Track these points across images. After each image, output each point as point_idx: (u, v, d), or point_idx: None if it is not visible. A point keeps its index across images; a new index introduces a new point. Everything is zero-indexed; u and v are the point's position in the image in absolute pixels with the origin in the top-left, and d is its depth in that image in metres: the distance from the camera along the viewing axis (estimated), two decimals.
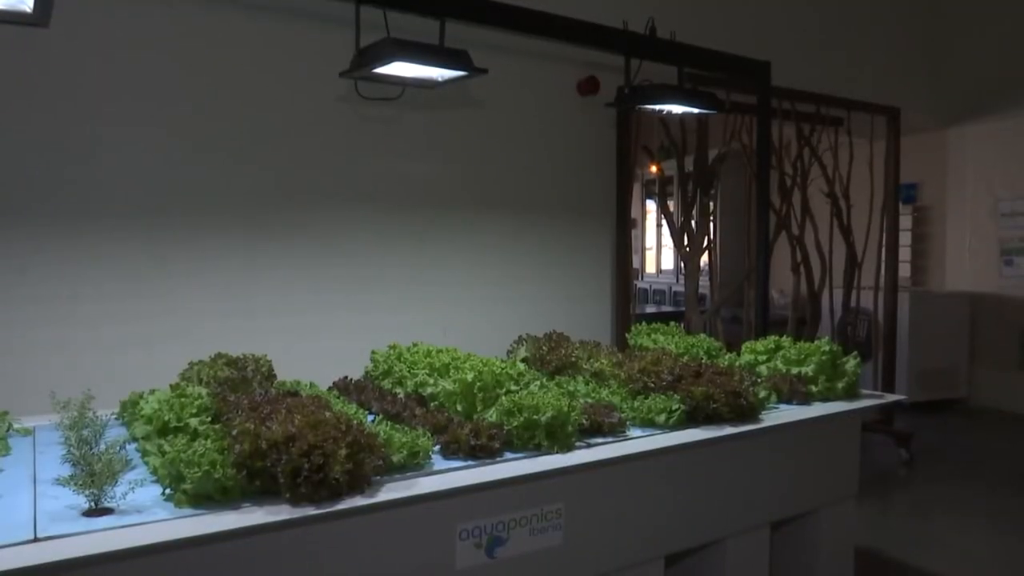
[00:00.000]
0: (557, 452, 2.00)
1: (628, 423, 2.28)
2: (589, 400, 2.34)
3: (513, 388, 2.19)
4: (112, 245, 3.37)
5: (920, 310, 6.50)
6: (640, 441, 2.17)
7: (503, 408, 2.06)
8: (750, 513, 2.45)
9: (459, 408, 2.20)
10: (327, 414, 1.73)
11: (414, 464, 1.83)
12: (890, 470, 4.99)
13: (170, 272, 3.50)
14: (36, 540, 1.38)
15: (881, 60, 6.10)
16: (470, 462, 1.91)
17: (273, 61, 3.69)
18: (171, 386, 2.11)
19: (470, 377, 2.20)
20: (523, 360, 2.84)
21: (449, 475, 1.82)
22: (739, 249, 5.54)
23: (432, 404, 2.31)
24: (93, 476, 1.50)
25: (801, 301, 5.47)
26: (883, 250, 5.90)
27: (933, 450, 5.41)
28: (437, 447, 1.97)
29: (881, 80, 5.98)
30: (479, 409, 2.16)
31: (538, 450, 2.00)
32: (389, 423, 2.03)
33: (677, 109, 3.61)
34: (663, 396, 2.36)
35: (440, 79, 2.84)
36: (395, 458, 1.79)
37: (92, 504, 1.51)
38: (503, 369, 2.26)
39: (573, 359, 2.78)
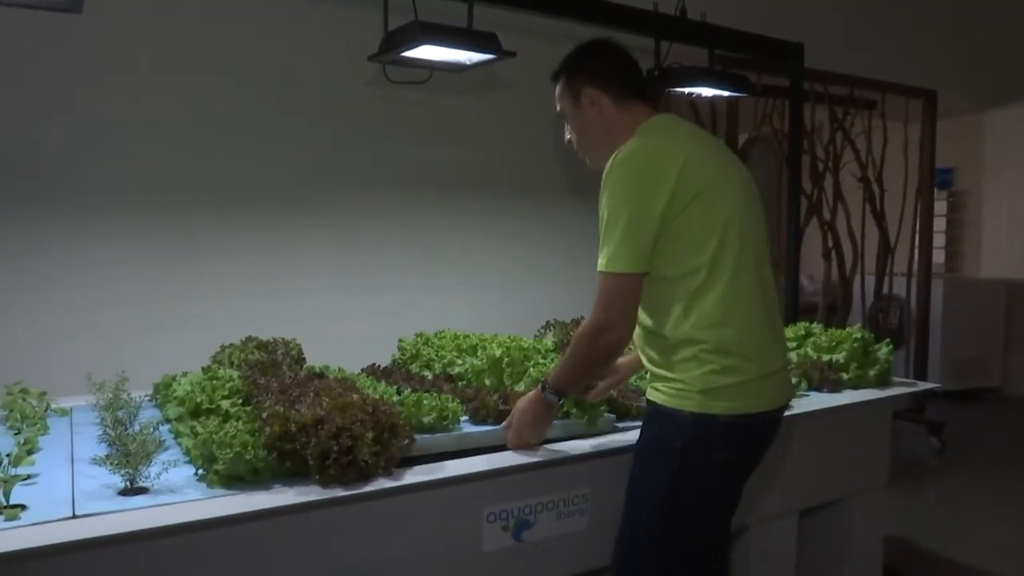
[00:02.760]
0: (586, 423, 2.01)
1: None
2: None
3: (541, 361, 2.19)
4: (144, 228, 3.42)
5: (954, 297, 6.36)
6: None
7: (532, 379, 2.07)
8: (778, 500, 2.43)
9: (487, 383, 2.21)
10: (354, 396, 1.74)
11: (443, 427, 1.84)
12: (922, 459, 4.92)
13: (202, 255, 3.54)
14: (75, 517, 1.41)
15: (917, 41, 5.95)
16: (497, 427, 1.93)
17: (302, 45, 3.70)
18: (203, 369, 2.15)
19: (498, 353, 2.20)
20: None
21: (477, 459, 1.83)
22: (769, 234, 5.46)
23: (460, 383, 2.32)
24: (128, 456, 1.53)
25: (832, 287, 5.39)
26: (917, 236, 5.78)
27: (966, 439, 5.33)
28: (466, 418, 1.98)
29: (917, 62, 5.84)
30: (507, 384, 2.17)
31: (567, 418, 2.00)
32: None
33: (707, 92, 3.56)
34: None
35: (468, 63, 2.82)
36: (424, 420, 1.79)
37: (127, 484, 1.54)
38: (531, 345, 2.26)
39: None
